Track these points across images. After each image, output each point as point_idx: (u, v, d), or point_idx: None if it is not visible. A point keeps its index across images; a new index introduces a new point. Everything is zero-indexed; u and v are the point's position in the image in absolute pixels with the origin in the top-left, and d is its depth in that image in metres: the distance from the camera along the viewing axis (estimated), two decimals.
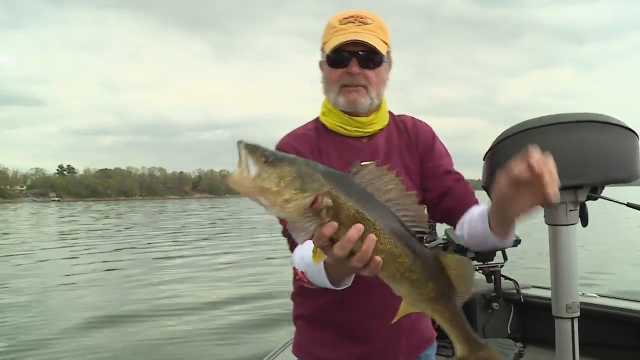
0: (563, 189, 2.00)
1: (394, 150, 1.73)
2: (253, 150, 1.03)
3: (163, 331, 7.19)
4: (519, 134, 1.98)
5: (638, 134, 1.97)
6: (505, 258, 3.26)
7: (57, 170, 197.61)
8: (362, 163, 1.12)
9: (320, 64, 1.70)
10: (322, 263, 1.33)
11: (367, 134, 1.69)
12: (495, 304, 3.22)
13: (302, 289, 1.74)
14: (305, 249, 1.38)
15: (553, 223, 2.08)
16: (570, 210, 2.05)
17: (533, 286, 3.44)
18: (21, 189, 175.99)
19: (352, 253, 1.09)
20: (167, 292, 9.98)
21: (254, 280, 11.05)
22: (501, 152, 2.03)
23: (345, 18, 1.63)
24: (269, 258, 14.10)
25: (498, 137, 2.05)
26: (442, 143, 1.82)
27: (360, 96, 1.62)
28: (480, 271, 3.19)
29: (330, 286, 1.37)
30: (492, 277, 3.20)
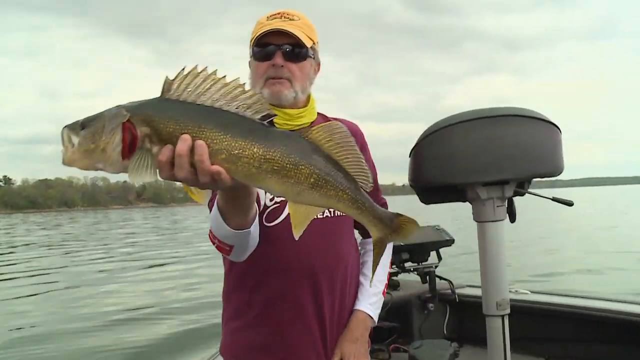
0: (490, 184, 2.01)
1: None
2: (72, 126, 1.04)
3: (86, 341, 6.89)
4: (443, 129, 1.96)
5: (560, 128, 1.98)
6: (439, 258, 3.25)
7: None
8: (170, 77, 1.06)
9: (249, 62, 1.71)
10: (216, 208, 1.33)
11: (296, 127, 1.67)
12: (431, 304, 3.19)
13: (230, 286, 1.73)
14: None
15: (481, 220, 2.07)
16: (498, 206, 2.04)
17: (468, 285, 3.44)
18: None
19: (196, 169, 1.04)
20: (92, 301, 9.71)
21: (184, 285, 10.82)
22: (426, 147, 2.01)
23: (273, 15, 1.67)
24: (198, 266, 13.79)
25: (423, 133, 2.03)
26: (369, 152, 1.84)
27: (284, 88, 1.62)
28: (415, 272, 3.16)
29: (230, 230, 1.34)
30: (427, 277, 3.18)
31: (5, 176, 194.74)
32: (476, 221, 2.08)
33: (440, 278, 3.29)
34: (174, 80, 1.05)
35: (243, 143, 1.05)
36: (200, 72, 1.05)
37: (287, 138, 1.10)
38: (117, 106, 1.05)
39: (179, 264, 14.49)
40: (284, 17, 1.64)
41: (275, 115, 1.59)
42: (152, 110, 1.03)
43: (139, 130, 1.02)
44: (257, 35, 1.62)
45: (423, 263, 3.17)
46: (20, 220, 69.96)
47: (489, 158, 1.90)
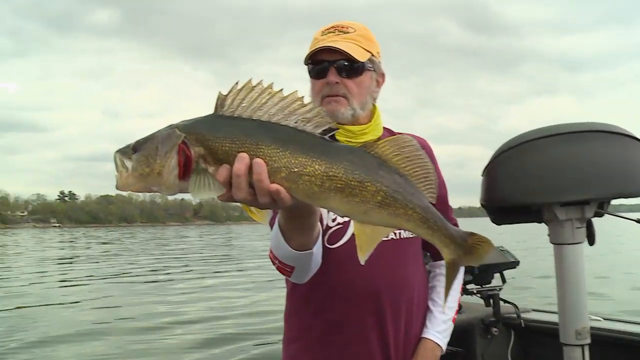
0: (569, 204, 1.89)
1: None
2: (124, 150, 1.00)
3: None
4: (520, 146, 1.86)
5: None
6: (503, 281, 3.10)
7: (59, 196, 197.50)
8: (223, 92, 1.00)
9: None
10: (277, 227, 1.27)
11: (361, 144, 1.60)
12: (495, 329, 3.05)
13: (292, 308, 1.67)
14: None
15: (558, 242, 1.96)
16: (577, 228, 1.92)
17: (534, 310, 3.27)
18: (22, 214, 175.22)
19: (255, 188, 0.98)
20: (140, 308, 10.17)
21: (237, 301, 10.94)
22: (501, 165, 1.92)
23: (327, 29, 1.60)
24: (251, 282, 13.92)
25: (498, 150, 1.94)
26: (439, 168, 1.76)
27: (340, 106, 1.54)
28: (478, 294, 3.03)
29: (291, 250, 1.27)
30: (491, 300, 3.04)
31: (70, 192, 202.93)
32: (553, 244, 1.96)
33: (505, 301, 3.15)
34: (227, 95, 0.99)
35: (304, 160, 0.98)
36: (255, 86, 0.98)
37: (351, 153, 1.03)
38: (169, 126, 1.01)
39: (225, 278, 14.88)
40: (338, 31, 1.57)
41: (338, 129, 1.52)
42: (206, 128, 0.98)
43: (193, 151, 0.97)
44: (310, 52, 1.57)
45: (486, 285, 3.04)
46: (82, 234, 72.57)
47: (569, 177, 1.79)
